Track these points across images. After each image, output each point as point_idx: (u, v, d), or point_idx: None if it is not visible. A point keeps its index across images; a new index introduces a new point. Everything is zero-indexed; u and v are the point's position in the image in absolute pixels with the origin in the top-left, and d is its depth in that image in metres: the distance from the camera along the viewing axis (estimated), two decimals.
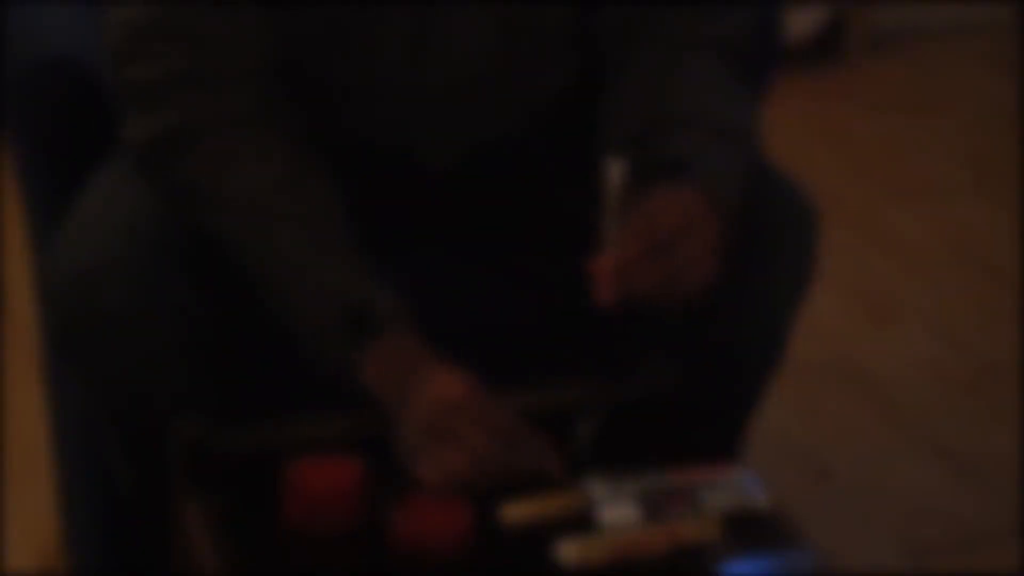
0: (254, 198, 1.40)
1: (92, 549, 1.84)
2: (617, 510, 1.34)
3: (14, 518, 2.06)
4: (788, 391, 1.69)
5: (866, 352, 2.51)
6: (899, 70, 3.48)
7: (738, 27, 1.53)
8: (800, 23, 3.37)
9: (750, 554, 1.31)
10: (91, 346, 1.41)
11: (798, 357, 1.61)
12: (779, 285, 1.52)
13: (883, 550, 2.09)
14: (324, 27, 1.45)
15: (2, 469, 2.12)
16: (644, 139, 1.44)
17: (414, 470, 1.34)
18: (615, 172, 1.36)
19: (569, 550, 1.30)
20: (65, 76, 1.54)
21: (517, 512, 1.33)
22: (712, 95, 1.48)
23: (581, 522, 1.33)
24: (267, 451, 1.36)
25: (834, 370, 2.45)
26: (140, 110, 1.42)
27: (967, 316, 2.61)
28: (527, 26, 1.49)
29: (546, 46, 1.52)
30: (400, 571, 1.29)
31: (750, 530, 1.34)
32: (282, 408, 1.42)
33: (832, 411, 2.37)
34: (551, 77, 1.56)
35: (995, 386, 2.43)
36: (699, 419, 1.49)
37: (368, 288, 1.39)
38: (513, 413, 1.36)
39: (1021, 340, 2.51)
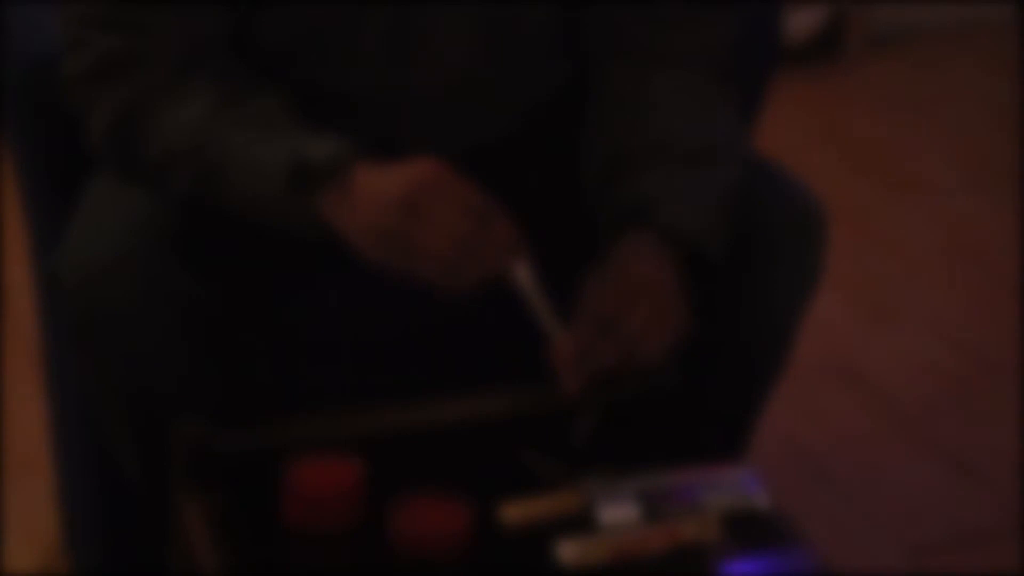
0: (194, 130, 1.39)
1: (92, 549, 1.84)
2: (617, 510, 1.34)
3: (14, 518, 2.06)
4: (787, 391, 1.69)
5: (865, 352, 2.51)
6: (899, 70, 3.48)
7: (718, 37, 1.53)
8: (800, 23, 3.37)
9: (750, 554, 1.31)
10: (104, 339, 1.42)
11: (798, 357, 1.61)
12: (785, 287, 1.52)
13: (883, 550, 2.09)
14: (304, 25, 1.45)
15: (2, 469, 2.12)
16: (611, 181, 1.46)
17: (390, 262, 1.34)
18: (522, 276, 1.38)
19: (569, 550, 1.30)
20: None
21: (517, 512, 1.33)
22: (683, 118, 1.49)
23: (581, 522, 1.33)
24: (267, 451, 1.36)
25: (833, 370, 2.45)
26: (86, 112, 1.44)
27: (967, 316, 2.61)
28: (510, 29, 1.50)
29: (533, 49, 1.53)
30: (400, 571, 1.29)
31: (750, 530, 1.34)
32: (282, 408, 1.42)
33: (831, 410, 2.37)
34: (540, 80, 1.56)
35: (995, 386, 2.43)
36: (701, 419, 1.49)
37: (300, 142, 1.38)
38: (479, 188, 1.36)
39: (1021, 340, 2.51)
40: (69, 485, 1.87)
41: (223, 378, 1.47)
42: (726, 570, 1.31)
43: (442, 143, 1.54)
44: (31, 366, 2.06)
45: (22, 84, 1.59)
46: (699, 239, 1.43)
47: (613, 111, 1.51)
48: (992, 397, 2.40)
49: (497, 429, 1.43)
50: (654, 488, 1.36)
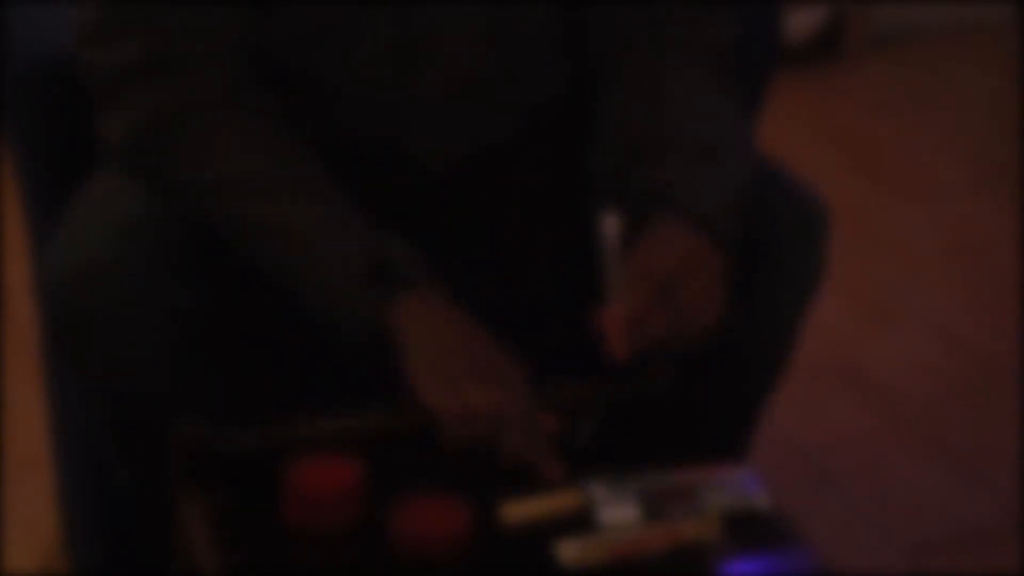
0: (247, 177, 1.40)
1: (92, 549, 1.84)
2: (617, 510, 1.34)
3: (14, 518, 2.06)
4: (787, 391, 1.69)
5: (865, 352, 2.51)
6: (899, 70, 3.48)
7: (725, 34, 1.53)
8: (800, 23, 3.37)
9: (750, 554, 1.31)
10: (84, 346, 1.41)
11: (798, 357, 1.61)
12: (788, 288, 1.52)
13: (883, 550, 2.09)
14: (309, 27, 1.45)
15: (2, 469, 2.12)
16: (630, 169, 1.45)
17: (424, 395, 1.35)
18: (610, 225, 1.37)
19: (569, 550, 1.30)
20: (65, 76, 1.54)
21: (517, 512, 1.33)
22: (698, 112, 1.49)
23: (581, 522, 1.33)
24: (267, 451, 1.36)
25: (833, 370, 2.45)
26: (110, 104, 1.43)
27: (967, 316, 2.61)
28: (516, 29, 1.49)
29: (537, 49, 1.53)
30: (400, 571, 1.29)
31: (750, 530, 1.34)
32: (282, 408, 1.42)
33: (831, 410, 2.37)
34: (544, 80, 1.56)
35: (994, 386, 2.43)
36: (702, 420, 1.49)
37: (389, 241, 1.40)
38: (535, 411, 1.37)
39: (1021, 340, 2.51)
40: (69, 485, 1.87)
41: (220, 380, 1.47)
42: (726, 570, 1.31)
43: (445, 144, 1.54)
44: (31, 366, 2.06)
45: (22, 84, 1.59)
46: (721, 228, 1.42)
47: (625, 107, 1.50)
48: (992, 397, 2.41)
49: None
50: (654, 488, 1.36)
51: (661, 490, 1.36)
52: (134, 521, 1.60)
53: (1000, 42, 3.53)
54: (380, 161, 1.53)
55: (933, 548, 2.10)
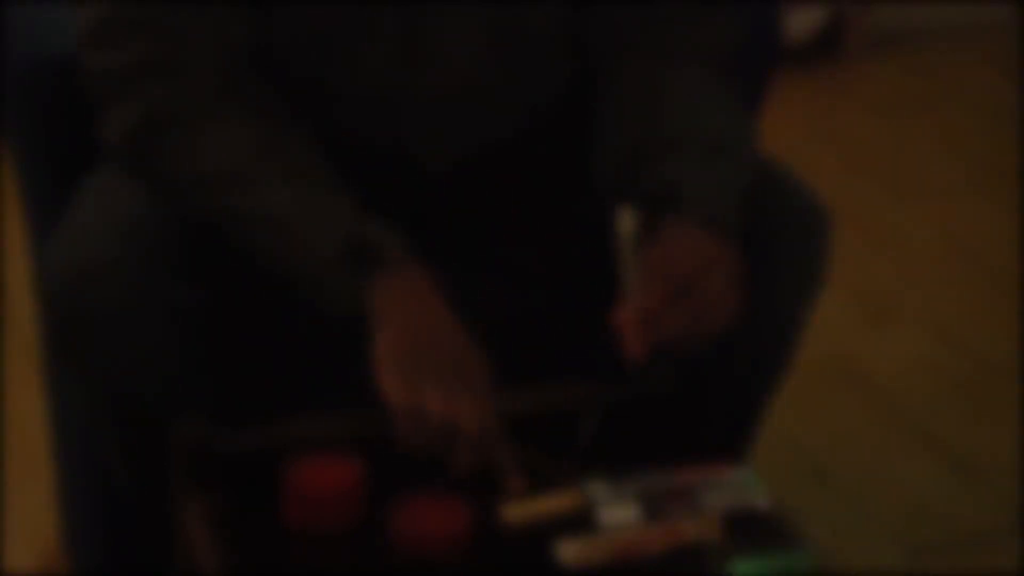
0: (231, 171, 1.40)
1: (92, 549, 1.84)
2: (617, 510, 1.34)
3: (14, 518, 2.06)
4: (788, 390, 1.69)
5: (865, 352, 2.51)
6: (899, 70, 3.48)
7: (726, 34, 1.54)
8: (800, 23, 3.37)
9: (750, 554, 1.31)
10: (84, 346, 1.41)
11: (798, 356, 1.61)
12: (789, 289, 1.52)
13: (883, 550, 2.09)
14: (310, 27, 1.45)
15: (2, 469, 2.12)
16: (633, 169, 1.45)
17: (383, 384, 1.33)
18: (627, 222, 1.36)
19: (569, 550, 1.30)
20: (65, 76, 1.54)
21: (517, 512, 1.33)
22: (701, 111, 1.49)
23: (581, 522, 1.33)
24: (267, 451, 1.36)
25: (833, 370, 2.45)
26: (109, 105, 1.43)
27: (966, 316, 2.61)
28: (518, 30, 1.50)
29: (538, 50, 1.53)
30: (400, 571, 1.29)
31: (750, 530, 1.34)
32: (282, 408, 1.42)
33: (831, 411, 2.37)
34: (546, 81, 1.56)
35: (994, 385, 2.43)
36: (702, 420, 1.49)
37: (367, 221, 1.39)
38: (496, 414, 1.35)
39: (1020, 340, 2.51)
40: (69, 485, 1.87)
41: (222, 379, 1.47)
42: (726, 570, 1.31)
43: (446, 144, 1.54)
44: (31, 366, 2.06)
45: (22, 84, 1.59)
46: (732, 228, 1.42)
47: (627, 107, 1.50)
48: (992, 397, 2.41)
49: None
50: (654, 488, 1.36)
51: (661, 490, 1.36)
52: (134, 521, 1.60)
53: (1000, 43, 3.53)
54: (381, 162, 1.53)
55: (933, 548, 2.10)
